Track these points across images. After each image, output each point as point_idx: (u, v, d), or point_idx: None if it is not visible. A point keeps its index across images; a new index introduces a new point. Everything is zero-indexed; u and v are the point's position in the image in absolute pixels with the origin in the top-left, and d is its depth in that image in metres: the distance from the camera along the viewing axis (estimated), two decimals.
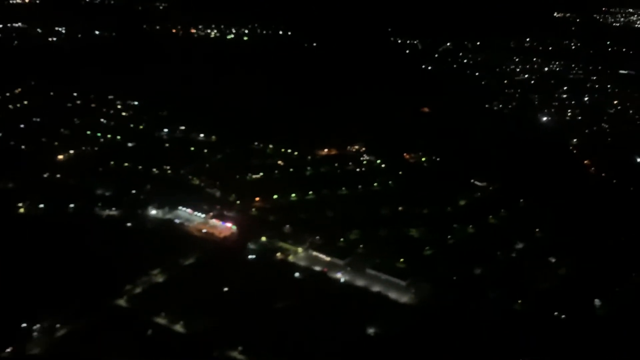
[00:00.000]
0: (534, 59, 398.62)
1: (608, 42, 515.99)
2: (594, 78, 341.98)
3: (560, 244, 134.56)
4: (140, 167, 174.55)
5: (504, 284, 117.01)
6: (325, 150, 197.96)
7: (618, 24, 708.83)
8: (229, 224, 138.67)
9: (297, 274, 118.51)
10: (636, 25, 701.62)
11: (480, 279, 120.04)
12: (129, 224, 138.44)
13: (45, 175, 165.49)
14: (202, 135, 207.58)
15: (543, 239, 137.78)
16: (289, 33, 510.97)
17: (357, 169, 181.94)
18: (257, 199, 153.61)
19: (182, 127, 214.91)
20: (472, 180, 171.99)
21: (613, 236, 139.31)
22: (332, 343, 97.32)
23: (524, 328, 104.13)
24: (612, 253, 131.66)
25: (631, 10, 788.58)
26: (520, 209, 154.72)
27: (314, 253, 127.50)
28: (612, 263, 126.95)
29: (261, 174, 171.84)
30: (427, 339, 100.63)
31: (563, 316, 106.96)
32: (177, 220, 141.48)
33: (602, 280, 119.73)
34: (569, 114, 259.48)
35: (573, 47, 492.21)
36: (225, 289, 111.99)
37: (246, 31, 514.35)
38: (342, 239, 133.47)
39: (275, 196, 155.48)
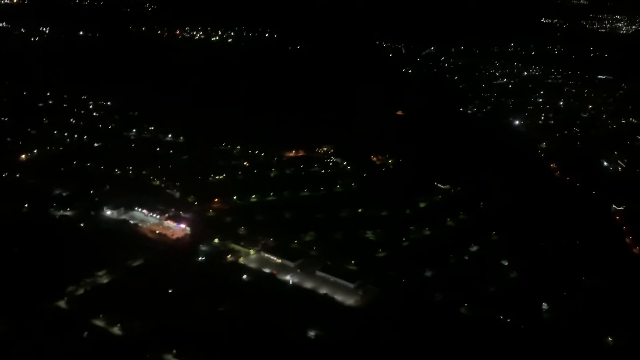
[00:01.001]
0: (515, 64, 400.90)
1: (591, 48, 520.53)
2: (572, 83, 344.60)
3: (515, 247, 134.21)
4: (102, 167, 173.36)
5: (452, 287, 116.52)
6: (293, 152, 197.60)
7: (604, 30, 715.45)
8: (183, 225, 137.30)
9: (245, 276, 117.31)
10: (621, 32, 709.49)
11: (430, 282, 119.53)
12: (82, 225, 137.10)
13: (4, 175, 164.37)
14: (170, 136, 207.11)
15: (498, 242, 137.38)
16: (275, 36, 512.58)
17: (323, 171, 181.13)
18: (216, 200, 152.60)
19: (152, 128, 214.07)
20: (435, 183, 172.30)
21: (569, 240, 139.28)
22: (269, 346, 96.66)
23: (468, 332, 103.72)
24: (566, 257, 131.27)
25: (618, 16, 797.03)
26: (480, 211, 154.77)
27: (266, 255, 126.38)
28: (564, 267, 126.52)
29: (224, 175, 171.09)
30: (368, 342, 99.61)
31: (508, 320, 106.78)
32: (131, 221, 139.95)
33: (552, 284, 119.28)
34: (542, 117, 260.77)
35: (555, 52, 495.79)
36: (170, 290, 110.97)
37: (232, 33, 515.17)
38: (296, 241, 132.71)
39: (234, 197, 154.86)
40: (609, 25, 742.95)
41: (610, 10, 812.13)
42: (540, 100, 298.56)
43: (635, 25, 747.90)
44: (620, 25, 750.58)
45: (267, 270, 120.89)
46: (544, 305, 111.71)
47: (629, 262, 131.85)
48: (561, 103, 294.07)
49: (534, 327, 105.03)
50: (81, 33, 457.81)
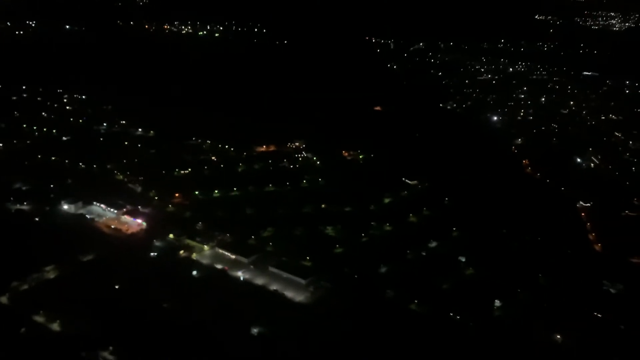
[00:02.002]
0: (502, 60, 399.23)
1: (581, 45, 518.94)
2: (556, 79, 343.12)
3: (475, 243, 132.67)
4: (67, 161, 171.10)
5: (405, 284, 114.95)
6: (264, 147, 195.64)
7: (597, 27, 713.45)
8: (139, 220, 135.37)
9: (195, 272, 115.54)
10: (614, 28, 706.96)
11: (384, 278, 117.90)
12: (37, 219, 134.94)
13: None
14: (140, 130, 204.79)
15: (458, 238, 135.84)
16: (265, 31, 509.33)
17: (291, 166, 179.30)
18: (177, 195, 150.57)
19: (123, 122, 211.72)
20: (403, 179, 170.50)
21: (531, 236, 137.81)
22: (208, 343, 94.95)
23: (414, 329, 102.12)
24: (525, 253, 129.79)
25: (612, 13, 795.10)
26: (444, 207, 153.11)
27: (220, 251, 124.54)
28: (522, 263, 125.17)
29: (189, 170, 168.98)
30: (311, 339, 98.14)
31: (457, 317, 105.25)
32: (88, 216, 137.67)
33: (508, 281, 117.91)
34: (522, 113, 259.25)
35: (545, 49, 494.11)
36: (117, 286, 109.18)
37: (221, 28, 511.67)
38: (253, 237, 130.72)
39: (196, 192, 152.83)
40: (602, 22, 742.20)
41: (605, 7, 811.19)
42: (522, 96, 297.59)
43: (628, 22, 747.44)
44: (614, 22, 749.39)
45: (219, 267, 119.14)
46: (497, 302, 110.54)
47: (589, 259, 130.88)
48: (543, 99, 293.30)
49: (483, 325, 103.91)
50: (67, 27, 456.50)
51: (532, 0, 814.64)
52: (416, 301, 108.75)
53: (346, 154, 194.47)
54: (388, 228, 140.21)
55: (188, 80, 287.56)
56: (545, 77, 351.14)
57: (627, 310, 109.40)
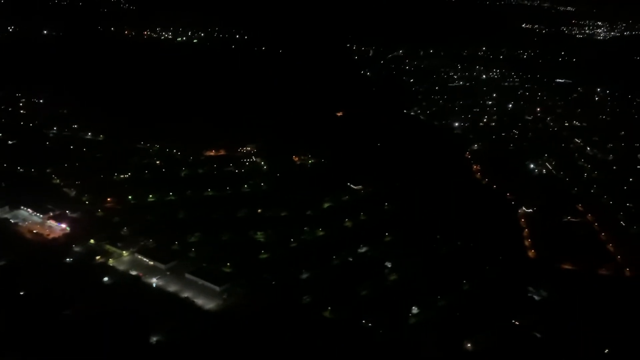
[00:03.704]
0: (477, 67, 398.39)
1: (562, 53, 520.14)
2: (527, 86, 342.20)
3: (405, 248, 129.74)
4: (5, 165, 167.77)
5: (324, 290, 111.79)
6: (213, 151, 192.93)
7: (581, 36, 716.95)
8: (63, 225, 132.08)
9: (106, 279, 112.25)
10: (599, 38, 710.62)
11: (304, 284, 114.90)
12: None
13: None
14: (90, 134, 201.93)
15: (390, 243, 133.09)
16: (246, 37, 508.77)
17: (236, 171, 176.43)
18: (109, 199, 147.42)
19: (75, 126, 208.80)
20: (348, 184, 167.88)
21: (463, 242, 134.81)
22: (103, 350, 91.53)
23: (324, 336, 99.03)
24: (454, 259, 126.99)
25: (599, 23, 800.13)
26: (382, 212, 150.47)
27: (139, 256, 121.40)
28: (448, 269, 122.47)
29: (129, 174, 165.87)
30: (218, 347, 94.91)
31: (369, 324, 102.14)
32: (12, 220, 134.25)
33: (430, 287, 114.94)
34: (485, 119, 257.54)
35: (525, 57, 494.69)
36: (22, 292, 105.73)
37: (202, 34, 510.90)
38: (177, 242, 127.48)
39: (129, 197, 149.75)
40: (588, 31, 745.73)
41: (594, 17, 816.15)
42: (490, 102, 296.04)
43: (613, 32, 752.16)
44: (600, 31, 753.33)
45: (134, 273, 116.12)
46: (414, 309, 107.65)
47: (520, 265, 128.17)
48: (510, 105, 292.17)
49: (394, 331, 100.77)
50: (45, 32, 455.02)
51: (520, 9, 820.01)
52: (330, 308, 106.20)
53: (296, 158, 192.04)
54: (321, 233, 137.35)
55: (152, 85, 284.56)
56: (517, 84, 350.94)
57: (546, 318, 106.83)
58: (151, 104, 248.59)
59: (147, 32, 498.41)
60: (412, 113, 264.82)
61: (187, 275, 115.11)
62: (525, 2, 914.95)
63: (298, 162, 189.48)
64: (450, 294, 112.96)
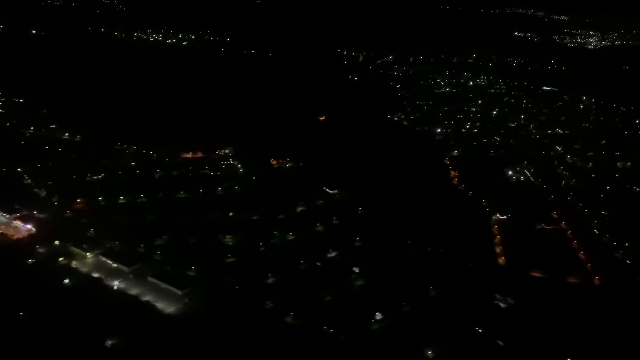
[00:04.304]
0: (465, 74, 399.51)
1: (552, 61, 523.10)
2: (513, 93, 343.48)
3: (374, 254, 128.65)
4: None
5: (288, 295, 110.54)
6: (190, 153, 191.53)
7: (573, 45, 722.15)
8: (29, 226, 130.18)
9: (67, 280, 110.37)
10: (589, 47, 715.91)
11: (268, 289, 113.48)
12: None
13: None
14: (67, 134, 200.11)
15: (359, 248, 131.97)
16: (235, 40, 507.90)
17: (212, 173, 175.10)
18: (79, 200, 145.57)
19: (53, 126, 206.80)
20: (324, 188, 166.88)
21: (434, 248, 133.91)
22: (57, 354, 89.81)
23: (285, 341, 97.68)
24: (422, 265, 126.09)
25: (591, 32, 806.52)
26: (356, 217, 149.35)
27: (103, 259, 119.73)
28: (416, 275, 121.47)
29: (102, 175, 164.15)
30: (172, 351, 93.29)
31: (331, 330, 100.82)
32: None
33: (396, 293, 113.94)
34: (467, 126, 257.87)
35: (514, 64, 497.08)
36: None
37: (193, 37, 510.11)
38: (142, 245, 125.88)
39: (100, 198, 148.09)
40: (580, 40, 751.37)
41: (586, 26, 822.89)
42: (474, 109, 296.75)
43: (605, 41, 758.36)
44: (591, 40, 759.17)
45: (96, 275, 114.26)
46: (378, 315, 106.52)
47: (489, 272, 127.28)
48: (494, 112, 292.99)
49: (355, 338, 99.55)
50: (34, 32, 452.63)
51: (514, 17, 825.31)
52: (292, 313, 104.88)
53: (274, 162, 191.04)
54: (290, 237, 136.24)
55: (137, 86, 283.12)
56: (503, 91, 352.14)
57: (510, 325, 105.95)
58: (134, 105, 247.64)
59: (137, 34, 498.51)
60: (395, 118, 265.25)
61: (150, 279, 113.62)
62: (520, 10, 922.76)
63: (276, 166, 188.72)
64: (415, 300, 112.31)
